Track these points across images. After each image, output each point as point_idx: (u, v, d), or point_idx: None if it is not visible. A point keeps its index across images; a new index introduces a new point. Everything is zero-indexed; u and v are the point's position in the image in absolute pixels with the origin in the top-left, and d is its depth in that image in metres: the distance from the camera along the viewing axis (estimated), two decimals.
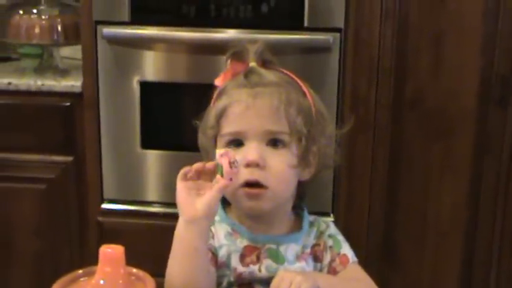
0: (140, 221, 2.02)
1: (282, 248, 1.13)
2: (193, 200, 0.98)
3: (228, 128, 1.09)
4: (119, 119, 2.00)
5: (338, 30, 1.82)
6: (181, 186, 1.00)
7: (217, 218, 1.17)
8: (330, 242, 1.17)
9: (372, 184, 1.92)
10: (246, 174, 1.06)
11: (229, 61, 1.15)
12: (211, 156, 1.12)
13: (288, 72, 1.16)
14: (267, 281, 1.07)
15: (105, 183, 2.05)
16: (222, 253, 1.12)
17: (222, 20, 1.88)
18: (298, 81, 1.15)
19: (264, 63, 1.13)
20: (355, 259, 1.18)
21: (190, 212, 0.98)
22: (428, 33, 1.82)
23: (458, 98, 1.84)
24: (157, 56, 1.95)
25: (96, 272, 0.81)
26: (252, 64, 1.11)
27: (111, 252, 0.81)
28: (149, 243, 1.87)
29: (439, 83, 1.83)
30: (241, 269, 1.11)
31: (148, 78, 1.96)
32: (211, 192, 0.97)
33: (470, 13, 1.79)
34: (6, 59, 2.39)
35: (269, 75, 1.11)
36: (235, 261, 1.11)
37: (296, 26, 1.84)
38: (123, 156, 2.01)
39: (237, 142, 1.08)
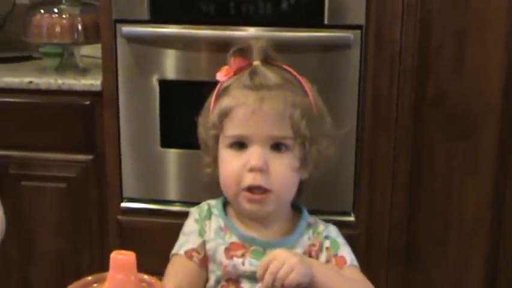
0: (159, 219, 2.03)
1: (268, 252, 1.12)
2: None
3: (232, 130, 1.10)
4: (139, 117, 2.01)
5: (359, 27, 1.81)
6: None
7: (215, 211, 1.18)
8: (327, 243, 1.18)
9: (394, 184, 1.91)
10: (249, 179, 1.09)
11: (232, 57, 1.16)
12: (211, 151, 1.13)
13: (290, 70, 1.18)
14: (252, 276, 1.07)
15: (124, 182, 2.06)
16: (209, 246, 1.14)
17: (241, 17, 1.88)
18: (300, 79, 1.17)
19: (267, 60, 1.15)
20: (355, 264, 1.17)
21: None
22: (451, 30, 1.80)
23: (482, 96, 1.82)
24: (176, 54, 1.96)
25: (106, 278, 0.80)
26: (256, 62, 1.13)
27: (122, 259, 0.81)
28: (168, 242, 1.87)
29: (462, 81, 1.82)
30: (225, 261, 1.13)
31: (168, 76, 1.97)
32: None
33: (494, 10, 1.78)
34: (28, 58, 2.44)
35: (273, 76, 1.12)
36: (220, 255, 1.13)
37: (316, 23, 1.83)
38: (142, 155, 2.03)
39: (240, 144, 1.09)
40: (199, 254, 1.16)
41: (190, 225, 1.21)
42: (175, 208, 2.01)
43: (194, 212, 1.22)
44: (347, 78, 1.84)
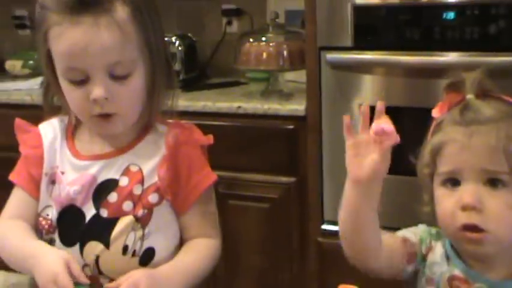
0: None
1: None
2: (360, 161, 1.02)
3: (443, 167, 1.08)
4: (341, 142, 2.00)
5: None
6: (349, 143, 1.05)
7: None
8: None
9: None
10: (463, 218, 1.04)
11: (445, 92, 1.13)
12: (427, 190, 1.14)
13: (510, 99, 1.11)
14: None
15: (325, 204, 2.12)
16: (434, 270, 1.13)
17: (445, 43, 1.88)
18: None
19: (483, 94, 1.10)
20: None
21: (355, 173, 1.03)
22: None
23: None
24: (379, 79, 2.00)
25: None
26: (469, 96, 1.09)
27: None
28: None
29: None
30: None
31: (370, 102, 1.97)
32: (375, 156, 1.00)
33: None
34: (236, 83, 2.60)
35: (486, 109, 1.07)
36: (444, 283, 1.11)
37: None
38: (343, 179, 2.04)
39: (453, 181, 1.07)
40: None
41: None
42: None
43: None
44: None
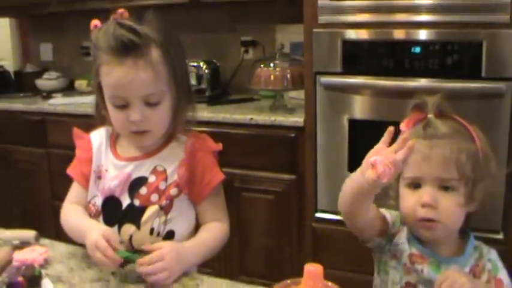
0: (345, 228, 2.10)
1: (443, 267, 1.16)
2: (369, 165, 1.00)
3: (408, 173, 1.14)
4: (332, 148, 2.13)
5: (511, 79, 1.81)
6: (378, 145, 1.04)
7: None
8: (488, 266, 1.17)
9: None
10: (422, 212, 1.12)
11: (411, 111, 1.18)
12: (394, 188, 1.19)
13: (461, 120, 1.17)
14: (427, 283, 1.13)
15: (319, 197, 2.18)
16: (399, 248, 1.18)
17: (414, 71, 1.95)
18: (469, 127, 1.17)
19: (440, 114, 1.16)
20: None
21: (362, 167, 1.03)
22: None
23: None
24: (362, 99, 2.06)
25: (301, 283, 0.89)
26: (430, 116, 1.15)
27: (313, 270, 0.88)
28: (353, 246, 1.93)
29: None
30: (408, 265, 1.17)
31: (356, 116, 2.07)
32: (370, 177, 0.98)
33: None
34: (250, 100, 2.67)
35: (443, 127, 1.13)
36: (405, 258, 1.17)
37: (475, 75, 1.85)
38: (333, 177, 2.14)
39: (415, 184, 1.14)
40: None
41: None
42: None
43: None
44: (499, 123, 1.83)
